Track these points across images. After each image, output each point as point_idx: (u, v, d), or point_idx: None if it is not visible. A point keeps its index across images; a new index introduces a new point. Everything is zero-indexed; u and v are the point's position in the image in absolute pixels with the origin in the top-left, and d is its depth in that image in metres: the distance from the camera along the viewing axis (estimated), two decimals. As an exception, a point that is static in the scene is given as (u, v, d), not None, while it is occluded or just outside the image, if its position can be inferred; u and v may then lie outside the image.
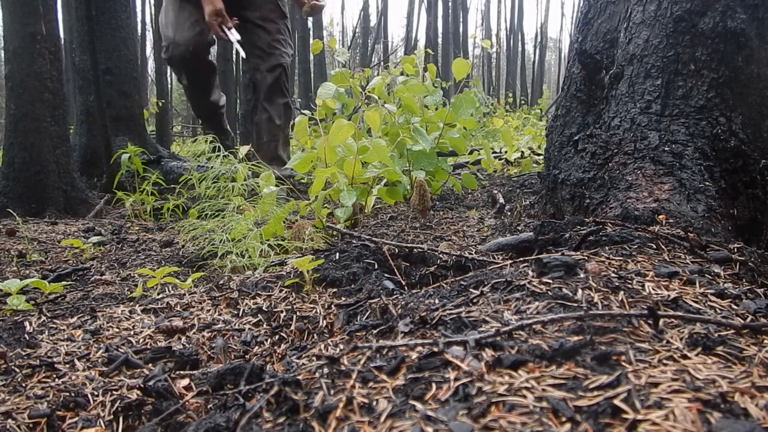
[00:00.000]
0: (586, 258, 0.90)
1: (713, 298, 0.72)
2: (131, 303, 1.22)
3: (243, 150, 2.25)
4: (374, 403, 0.48)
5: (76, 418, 0.73)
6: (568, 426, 0.42)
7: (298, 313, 1.09)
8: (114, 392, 0.79)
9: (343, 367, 0.57)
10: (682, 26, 1.49)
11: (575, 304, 0.64)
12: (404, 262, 1.38)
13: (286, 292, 1.21)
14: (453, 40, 23.50)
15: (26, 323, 1.05)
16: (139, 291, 1.31)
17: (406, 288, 1.22)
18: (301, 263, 1.18)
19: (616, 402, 0.44)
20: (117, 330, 1.03)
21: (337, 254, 1.40)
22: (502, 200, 2.50)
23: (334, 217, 2.03)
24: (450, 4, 23.57)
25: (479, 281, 0.86)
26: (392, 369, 0.54)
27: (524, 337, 0.57)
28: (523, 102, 17.88)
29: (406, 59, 3.19)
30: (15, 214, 3.11)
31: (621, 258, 0.90)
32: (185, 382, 0.84)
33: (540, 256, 0.92)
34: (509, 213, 2.26)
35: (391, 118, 2.74)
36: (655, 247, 0.98)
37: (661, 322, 0.58)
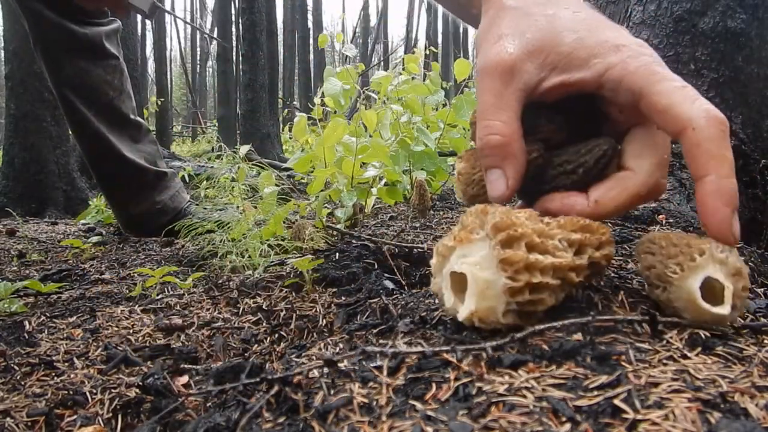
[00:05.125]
0: (586, 258, 0.89)
1: (713, 298, 0.72)
2: (130, 302, 1.22)
3: (243, 149, 2.25)
4: (374, 402, 0.48)
5: (75, 416, 0.73)
6: (568, 426, 0.42)
7: (297, 312, 1.09)
8: (113, 390, 0.79)
9: (342, 367, 0.57)
10: (682, 26, 1.49)
11: (575, 304, 0.64)
12: (404, 262, 1.38)
13: (285, 291, 1.21)
14: (453, 40, 23.51)
15: (26, 322, 1.05)
16: (138, 290, 1.31)
17: (406, 288, 1.22)
18: (300, 263, 1.17)
19: (616, 402, 0.44)
20: (116, 329, 1.03)
21: (337, 254, 1.40)
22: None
23: (333, 217, 2.03)
24: (450, 4, 23.51)
25: (479, 281, 0.86)
26: (392, 369, 0.54)
27: (524, 337, 0.57)
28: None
29: (409, 58, 3.19)
30: (15, 214, 3.11)
31: (621, 258, 0.90)
32: (184, 379, 0.84)
33: (540, 255, 0.91)
34: (509, 213, 2.25)
35: (394, 117, 2.74)
36: (655, 247, 0.98)
37: (661, 321, 0.58)
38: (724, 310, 0.54)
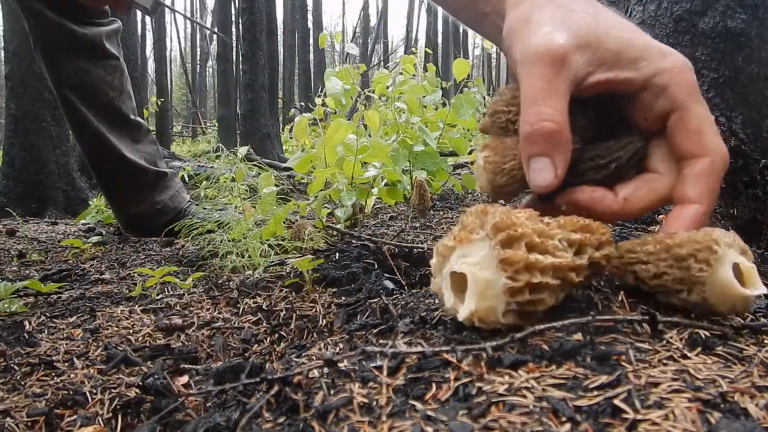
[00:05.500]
0: (586, 258, 0.89)
1: (713, 298, 0.72)
2: (130, 302, 1.22)
3: (242, 150, 2.25)
4: (374, 402, 0.48)
5: (75, 416, 0.73)
6: (568, 426, 0.42)
7: (297, 312, 1.09)
8: (113, 390, 0.79)
9: (342, 367, 0.57)
10: (682, 26, 1.49)
11: (575, 304, 0.64)
12: (404, 262, 1.38)
13: (285, 291, 1.21)
14: (453, 40, 23.51)
15: (26, 322, 1.05)
16: (138, 290, 1.31)
17: (406, 288, 1.22)
18: (300, 263, 1.17)
19: (616, 402, 0.44)
20: (116, 329, 1.03)
21: (337, 254, 1.40)
22: (502, 200, 2.50)
23: (333, 217, 2.03)
24: (450, 4, 23.51)
25: (479, 281, 0.85)
26: (392, 369, 0.54)
27: (524, 337, 0.57)
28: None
29: (406, 59, 3.19)
30: (15, 214, 3.11)
31: (621, 258, 0.90)
32: (184, 379, 0.84)
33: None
34: (509, 213, 2.25)
35: (393, 116, 2.74)
36: (655, 247, 0.98)
37: (660, 321, 0.58)
38: (760, 290, 0.55)
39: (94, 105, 2.06)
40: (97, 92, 2.07)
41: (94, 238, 2.34)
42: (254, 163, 2.27)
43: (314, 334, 1.04)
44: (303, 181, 3.31)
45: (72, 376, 0.83)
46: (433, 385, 0.50)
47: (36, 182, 3.88)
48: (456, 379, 0.50)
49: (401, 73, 3.10)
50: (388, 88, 3.04)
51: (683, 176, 0.59)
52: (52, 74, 2.03)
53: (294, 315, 1.08)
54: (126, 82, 2.20)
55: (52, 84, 2.06)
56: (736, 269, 0.56)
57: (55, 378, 0.83)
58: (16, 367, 0.85)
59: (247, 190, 2.17)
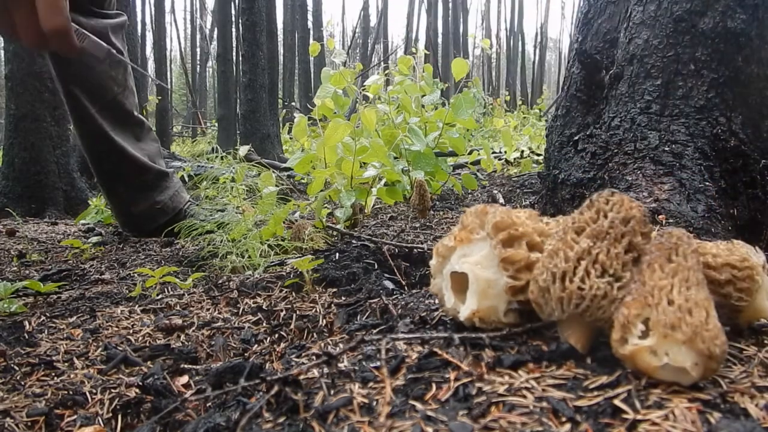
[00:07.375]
0: (586, 258, 0.89)
1: (713, 298, 0.72)
2: (130, 302, 1.22)
3: (243, 150, 2.24)
4: (374, 403, 0.48)
5: (75, 416, 0.73)
6: (568, 426, 0.42)
7: (297, 312, 1.09)
8: (112, 390, 0.79)
9: (342, 367, 0.56)
10: (682, 26, 1.49)
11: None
12: (404, 262, 1.38)
13: (285, 291, 1.21)
14: (453, 41, 23.49)
15: (26, 322, 1.05)
16: (138, 290, 1.31)
17: (406, 288, 1.22)
18: (300, 263, 1.17)
19: (616, 402, 0.44)
20: (116, 329, 1.03)
21: (337, 254, 1.40)
22: (502, 200, 2.50)
23: (333, 217, 2.03)
24: (450, 4, 23.56)
25: (479, 281, 0.85)
26: (392, 369, 0.54)
27: (524, 338, 0.57)
28: (521, 102, 17.91)
29: (402, 60, 3.19)
30: (15, 214, 3.11)
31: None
32: (184, 379, 0.84)
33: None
34: (509, 213, 2.25)
35: (389, 118, 2.74)
36: (655, 247, 0.98)
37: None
38: None
39: (98, 101, 2.05)
40: (102, 88, 2.06)
41: (94, 239, 2.34)
42: (254, 162, 2.26)
43: (314, 334, 1.04)
44: (303, 181, 3.31)
45: (72, 376, 0.83)
46: (433, 385, 0.50)
47: (36, 182, 3.88)
48: (456, 379, 0.50)
49: (395, 75, 3.11)
50: (385, 89, 3.04)
51: None
52: (59, 70, 2.01)
53: (294, 315, 1.08)
54: (129, 77, 2.19)
55: (58, 80, 2.05)
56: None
57: (55, 378, 0.83)
58: (16, 367, 0.85)
59: (247, 191, 2.17)
